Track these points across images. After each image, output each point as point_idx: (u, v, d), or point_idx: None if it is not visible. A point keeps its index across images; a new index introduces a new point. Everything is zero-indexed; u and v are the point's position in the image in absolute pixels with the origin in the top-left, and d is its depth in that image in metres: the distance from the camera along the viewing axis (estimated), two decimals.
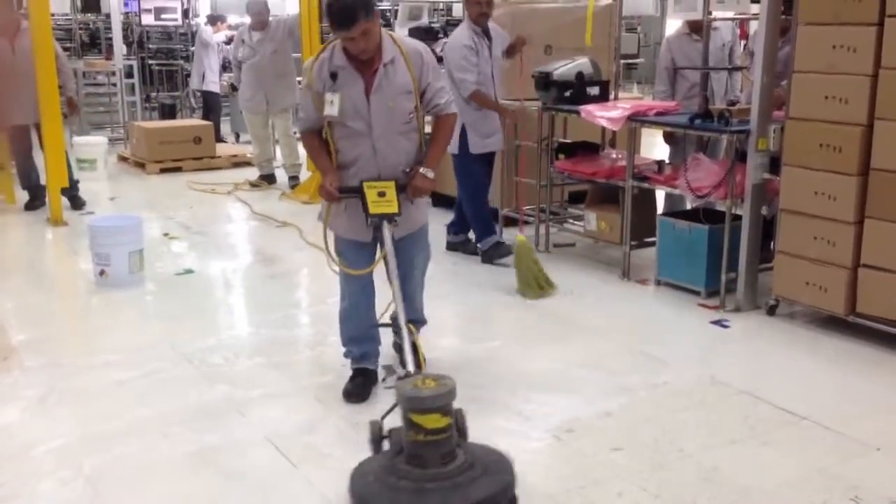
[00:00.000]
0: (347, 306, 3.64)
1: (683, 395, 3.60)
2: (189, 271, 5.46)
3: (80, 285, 5.31)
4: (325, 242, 3.59)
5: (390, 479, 2.63)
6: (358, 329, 3.65)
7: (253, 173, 8.37)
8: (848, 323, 4.17)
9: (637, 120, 5.08)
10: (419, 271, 3.72)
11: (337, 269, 3.59)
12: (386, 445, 2.78)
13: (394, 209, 3.32)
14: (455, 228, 5.77)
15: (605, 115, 5.13)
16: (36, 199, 7.08)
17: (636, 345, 4.19)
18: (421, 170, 3.40)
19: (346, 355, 3.71)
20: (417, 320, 3.80)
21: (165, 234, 6.35)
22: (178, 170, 8.83)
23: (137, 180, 8.67)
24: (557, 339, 4.28)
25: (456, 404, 3.22)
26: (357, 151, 3.39)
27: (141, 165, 8.97)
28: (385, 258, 3.32)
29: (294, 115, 8.41)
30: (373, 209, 3.31)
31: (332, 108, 3.31)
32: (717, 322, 4.46)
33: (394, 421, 2.74)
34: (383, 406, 3.61)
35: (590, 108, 5.26)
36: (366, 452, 3.11)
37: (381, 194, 3.33)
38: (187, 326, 4.46)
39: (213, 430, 3.31)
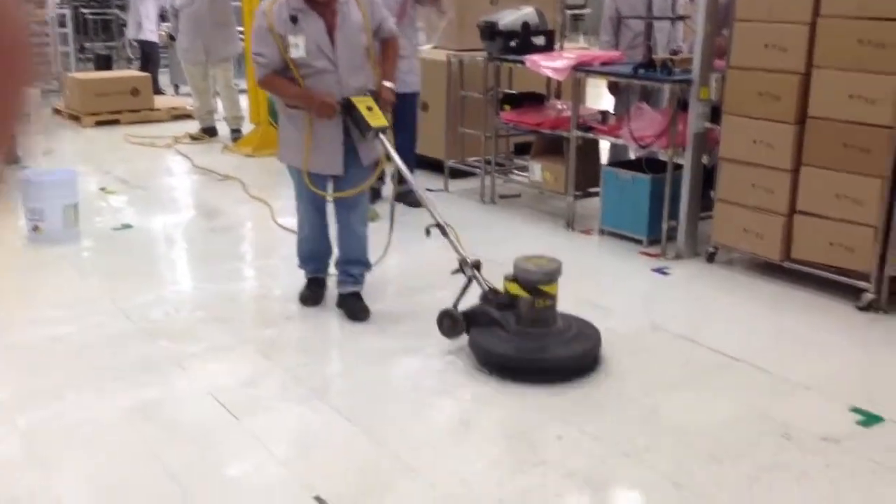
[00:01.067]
0: (307, 234, 3.93)
1: (626, 340, 3.65)
2: (128, 226, 5.32)
3: (13, 241, 5.14)
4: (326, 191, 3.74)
5: (528, 341, 3.25)
6: (313, 252, 3.98)
7: (193, 126, 8.17)
8: (783, 268, 4.27)
9: (582, 70, 5.06)
10: (364, 205, 3.89)
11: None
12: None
13: (385, 122, 3.61)
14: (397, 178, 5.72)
15: (550, 66, 5.10)
16: None
17: (580, 293, 4.22)
18: (386, 83, 3.72)
19: (300, 267, 4.03)
20: (364, 261, 3.84)
21: (102, 189, 6.18)
22: (115, 122, 8.57)
23: (72, 134, 8.40)
24: None
25: (403, 348, 3.24)
26: (323, 87, 3.58)
27: (76, 118, 8.68)
28: (398, 170, 3.73)
29: (236, 65, 8.21)
30: (372, 122, 3.56)
31: (297, 51, 3.52)
32: (658, 270, 4.53)
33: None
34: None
35: (535, 58, 5.23)
36: (306, 405, 3.12)
37: (370, 109, 3.58)
38: (127, 282, 4.36)
39: (153, 384, 3.26)
